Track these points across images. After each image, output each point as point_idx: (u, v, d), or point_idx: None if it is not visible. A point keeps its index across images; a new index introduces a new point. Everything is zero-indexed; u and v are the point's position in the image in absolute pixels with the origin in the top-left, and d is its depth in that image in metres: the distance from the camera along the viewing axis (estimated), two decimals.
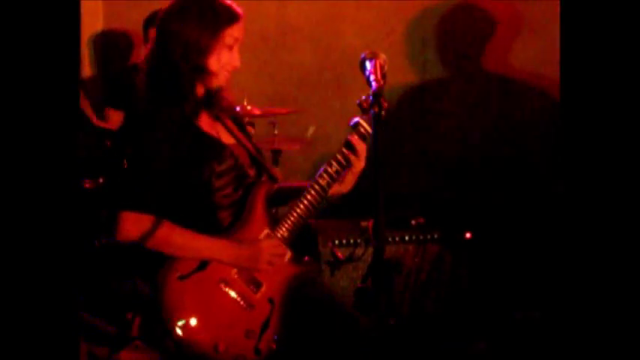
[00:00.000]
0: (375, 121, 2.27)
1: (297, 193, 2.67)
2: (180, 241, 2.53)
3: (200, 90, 2.62)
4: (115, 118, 4.58)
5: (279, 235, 2.61)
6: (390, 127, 4.61)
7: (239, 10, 2.60)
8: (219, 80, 2.61)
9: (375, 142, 2.25)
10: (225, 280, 2.54)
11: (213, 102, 2.67)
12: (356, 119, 2.62)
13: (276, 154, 4.34)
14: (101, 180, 3.97)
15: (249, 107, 4.13)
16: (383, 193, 2.46)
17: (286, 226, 2.61)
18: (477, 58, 5.07)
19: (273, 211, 2.71)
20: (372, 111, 2.28)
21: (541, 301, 4.06)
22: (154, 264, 2.58)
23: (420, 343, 3.75)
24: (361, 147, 2.60)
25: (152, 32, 4.34)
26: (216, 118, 2.69)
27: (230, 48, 2.58)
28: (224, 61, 2.58)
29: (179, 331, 2.47)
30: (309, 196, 2.60)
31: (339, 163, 2.61)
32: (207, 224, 2.58)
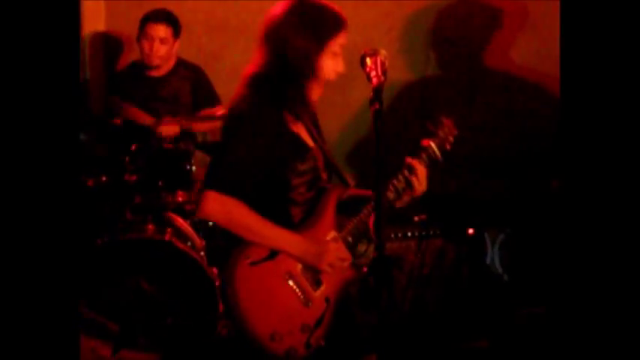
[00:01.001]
0: (375, 117, 2.27)
1: (364, 201, 2.75)
2: (257, 226, 2.60)
3: (303, 95, 2.69)
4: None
5: (343, 240, 2.70)
6: (392, 124, 4.62)
7: (344, 16, 2.66)
8: (321, 87, 2.70)
9: (377, 138, 2.25)
10: (291, 274, 2.62)
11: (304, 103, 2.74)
12: (427, 142, 2.76)
13: None
14: (104, 178, 3.98)
15: None
16: (384, 189, 2.47)
17: (351, 231, 2.71)
18: (479, 53, 5.07)
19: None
20: (372, 108, 2.28)
21: (545, 298, 4.06)
22: (160, 264, 2.59)
23: (422, 339, 3.76)
24: (422, 171, 2.71)
25: (150, 29, 4.37)
26: (298, 117, 2.75)
27: (335, 54, 2.65)
28: (330, 69, 2.65)
29: (242, 315, 2.55)
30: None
31: (406, 180, 2.70)
32: (280, 217, 2.65)
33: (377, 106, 2.27)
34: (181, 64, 4.55)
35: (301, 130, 2.74)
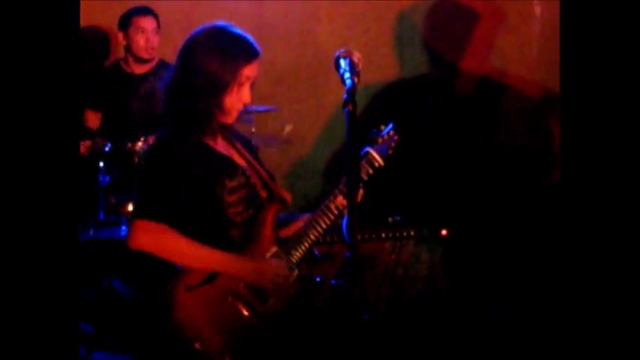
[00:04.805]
0: (349, 119, 2.26)
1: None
2: (190, 250, 2.56)
3: (215, 121, 2.69)
4: (93, 120, 4.56)
5: (292, 257, 2.69)
6: (367, 126, 4.63)
7: (257, 48, 2.67)
8: (230, 117, 2.68)
9: (349, 140, 2.25)
10: (234, 292, 2.59)
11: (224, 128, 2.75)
12: (366, 148, 2.78)
13: None
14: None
15: None
16: (356, 190, 2.47)
17: (300, 247, 2.70)
18: (454, 56, 5.10)
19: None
20: (346, 109, 2.28)
21: (517, 299, 4.09)
22: (134, 265, 2.57)
23: (395, 339, 3.78)
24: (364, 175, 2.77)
25: (141, 22, 4.39)
26: (229, 142, 2.77)
27: (242, 84, 2.64)
28: (236, 99, 2.64)
29: (191, 340, 2.51)
30: (321, 222, 2.71)
31: (343, 194, 2.71)
32: (220, 240, 2.62)
33: (350, 108, 2.27)
34: (162, 65, 4.55)
35: (231, 152, 2.75)
